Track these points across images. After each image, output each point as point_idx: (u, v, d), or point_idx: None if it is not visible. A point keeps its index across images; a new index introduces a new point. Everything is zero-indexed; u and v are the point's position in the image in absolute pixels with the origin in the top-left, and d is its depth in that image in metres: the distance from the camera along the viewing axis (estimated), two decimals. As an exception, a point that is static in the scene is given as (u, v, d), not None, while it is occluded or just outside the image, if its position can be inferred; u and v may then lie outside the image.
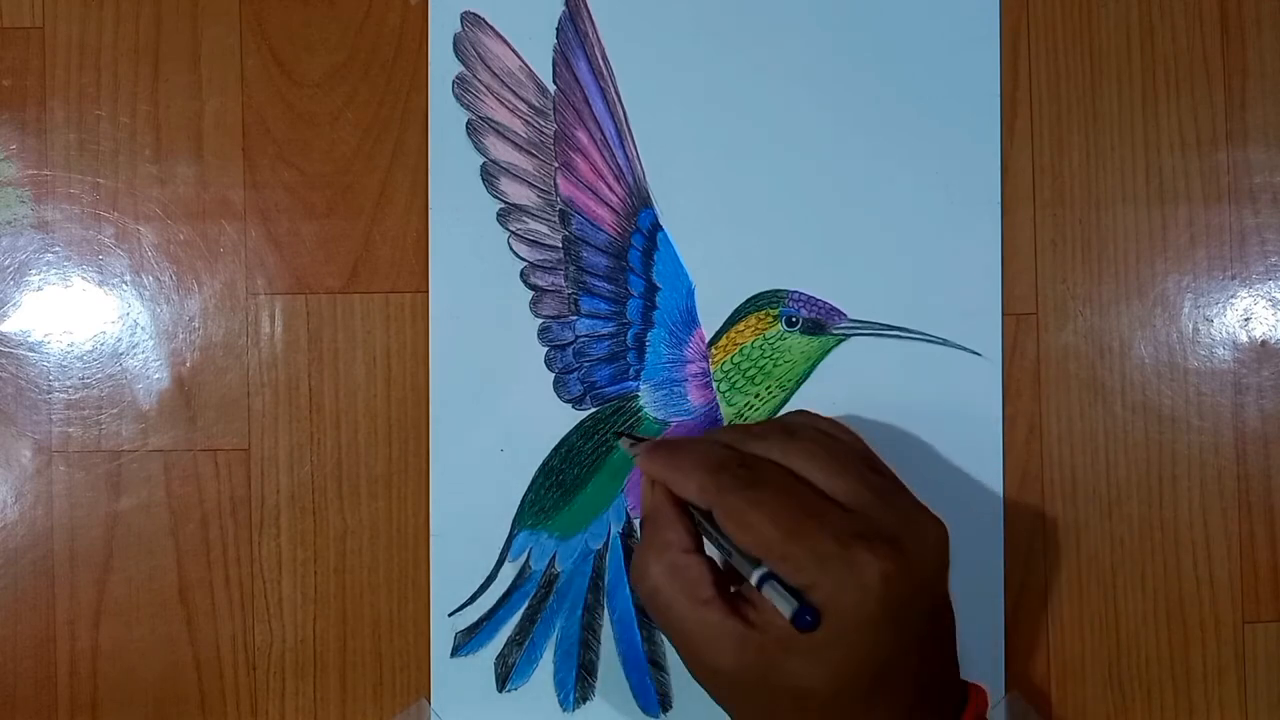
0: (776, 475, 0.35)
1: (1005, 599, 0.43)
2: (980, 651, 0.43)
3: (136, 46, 0.43)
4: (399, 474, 0.43)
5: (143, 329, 0.43)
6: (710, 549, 0.36)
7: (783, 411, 0.43)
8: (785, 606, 0.33)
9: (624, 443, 0.41)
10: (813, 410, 0.39)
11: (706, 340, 0.44)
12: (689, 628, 0.35)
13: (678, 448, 0.38)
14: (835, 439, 0.38)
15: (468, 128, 0.43)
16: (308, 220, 0.43)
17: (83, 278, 0.43)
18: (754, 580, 0.34)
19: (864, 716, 0.34)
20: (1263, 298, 0.44)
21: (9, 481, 0.43)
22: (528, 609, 0.43)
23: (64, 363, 0.43)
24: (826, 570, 0.33)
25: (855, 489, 0.35)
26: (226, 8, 0.43)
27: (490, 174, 0.43)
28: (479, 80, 0.43)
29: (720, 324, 0.44)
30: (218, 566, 0.43)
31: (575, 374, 0.43)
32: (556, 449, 0.43)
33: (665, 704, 0.43)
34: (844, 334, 0.44)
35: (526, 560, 0.43)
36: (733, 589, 0.36)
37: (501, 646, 0.43)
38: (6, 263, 0.43)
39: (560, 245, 0.43)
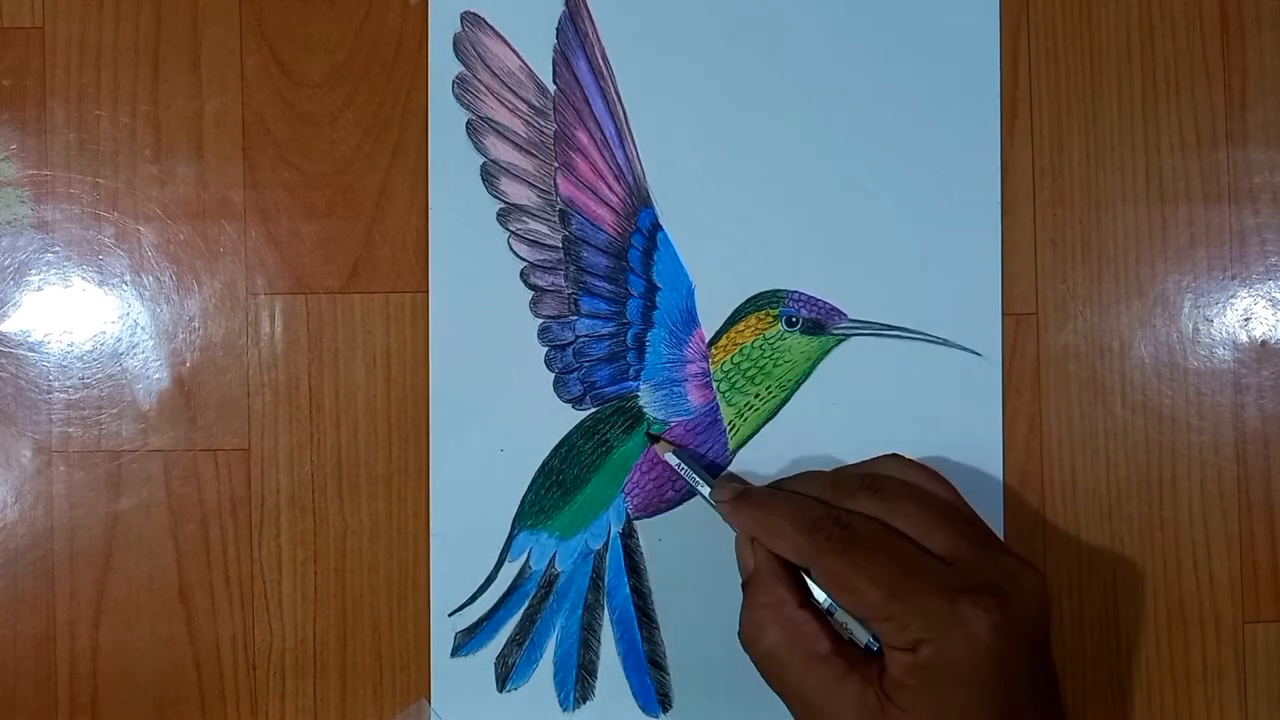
0: (873, 532, 0.35)
1: (1005, 599, 0.43)
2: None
3: (136, 46, 0.43)
4: (399, 474, 0.43)
5: (143, 329, 0.43)
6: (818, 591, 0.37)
7: (782, 412, 0.43)
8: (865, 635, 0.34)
9: (664, 453, 0.41)
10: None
11: (706, 340, 0.44)
12: (808, 684, 0.35)
13: (768, 504, 0.38)
14: (925, 491, 0.37)
15: (468, 128, 0.43)
16: (308, 220, 0.43)
17: (83, 278, 0.43)
18: (854, 630, 0.35)
19: None
20: (1263, 298, 0.44)
21: (9, 481, 0.43)
22: (528, 609, 0.43)
23: (64, 363, 0.43)
24: (934, 627, 0.33)
25: (952, 541, 0.35)
26: (226, 8, 0.43)
27: (490, 174, 0.43)
28: (479, 80, 0.43)
29: (720, 324, 0.43)
30: (218, 566, 0.43)
31: (575, 374, 0.43)
32: (556, 449, 0.43)
33: (665, 704, 0.43)
34: (844, 334, 0.43)
35: (526, 560, 0.43)
36: (849, 641, 0.36)
37: (501, 646, 0.43)
38: (6, 263, 0.43)
39: (560, 245, 0.43)
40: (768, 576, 0.37)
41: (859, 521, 0.36)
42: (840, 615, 0.36)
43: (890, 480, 0.38)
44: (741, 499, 0.38)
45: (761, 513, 0.38)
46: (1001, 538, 0.43)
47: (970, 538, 0.35)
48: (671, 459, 0.42)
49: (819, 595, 0.37)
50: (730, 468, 0.43)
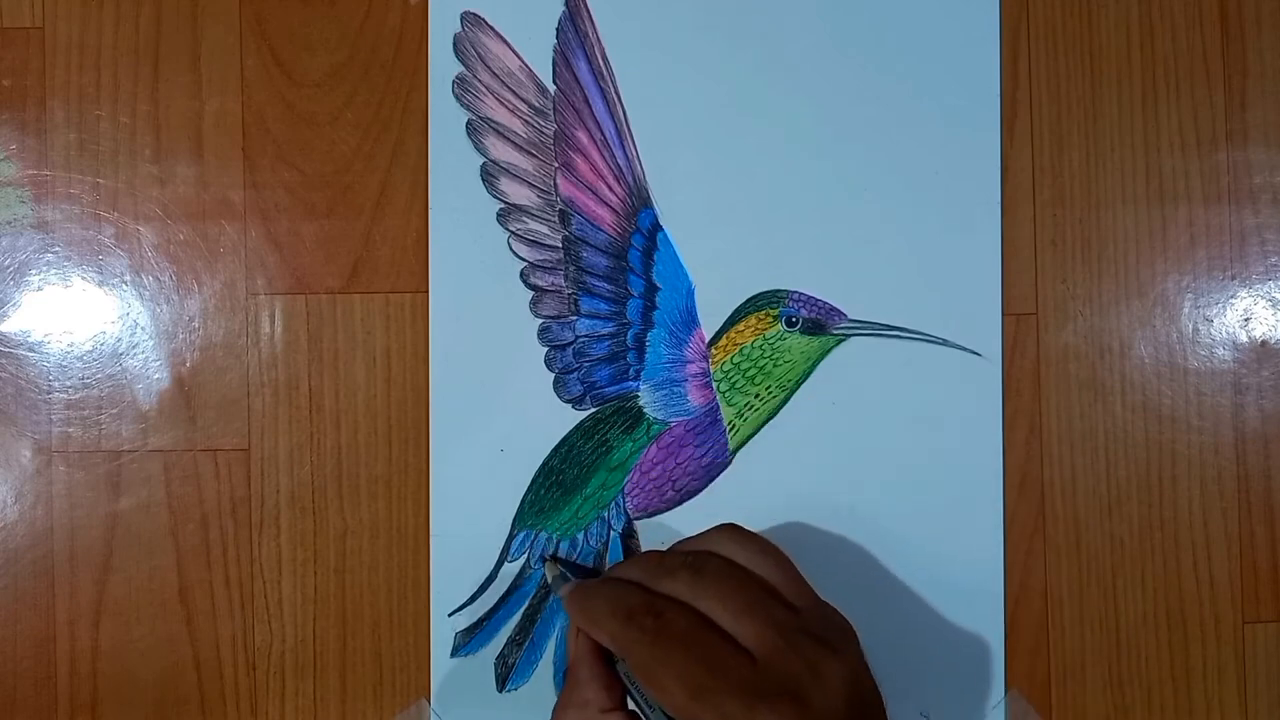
0: (683, 624, 0.36)
1: (1005, 599, 0.43)
2: (980, 651, 0.43)
3: (136, 46, 0.43)
4: (399, 474, 0.43)
5: (143, 329, 0.43)
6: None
7: (782, 412, 0.43)
8: None
9: (551, 574, 0.42)
10: (737, 528, 0.39)
11: (706, 340, 0.44)
12: None
13: (592, 591, 0.38)
14: (745, 572, 0.37)
15: (468, 128, 0.43)
16: (308, 220, 0.43)
17: (83, 278, 0.43)
18: None
19: None
20: (1263, 298, 0.44)
21: (9, 481, 0.43)
22: (528, 609, 0.43)
23: (64, 363, 0.43)
24: None
25: (760, 633, 0.35)
26: (226, 8, 0.43)
27: (490, 174, 0.43)
28: (479, 80, 0.43)
29: (720, 324, 0.44)
30: (218, 566, 0.43)
31: (575, 374, 0.43)
32: (556, 449, 0.43)
33: (665, 704, 0.43)
34: (844, 334, 0.44)
35: (526, 560, 0.43)
36: None
37: (501, 646, 0.43)
38: (6, 263, 0.43)
39: (560, 245, 0.43)
40: (583, 674, 0.37)
41: (672, 611, 0.36)
42: (641, 703, 0.37)
43: (711, 560, 0.38)
44: (575, 591, 0.39)
45: (586, 600, 0.38)
46: (1001, 537, 0.43)
47: (780, 625, 0.35)
48: (549, 571, 0.42)
49: (632, 700, 0.37)
50: (730, 468, 0.43)
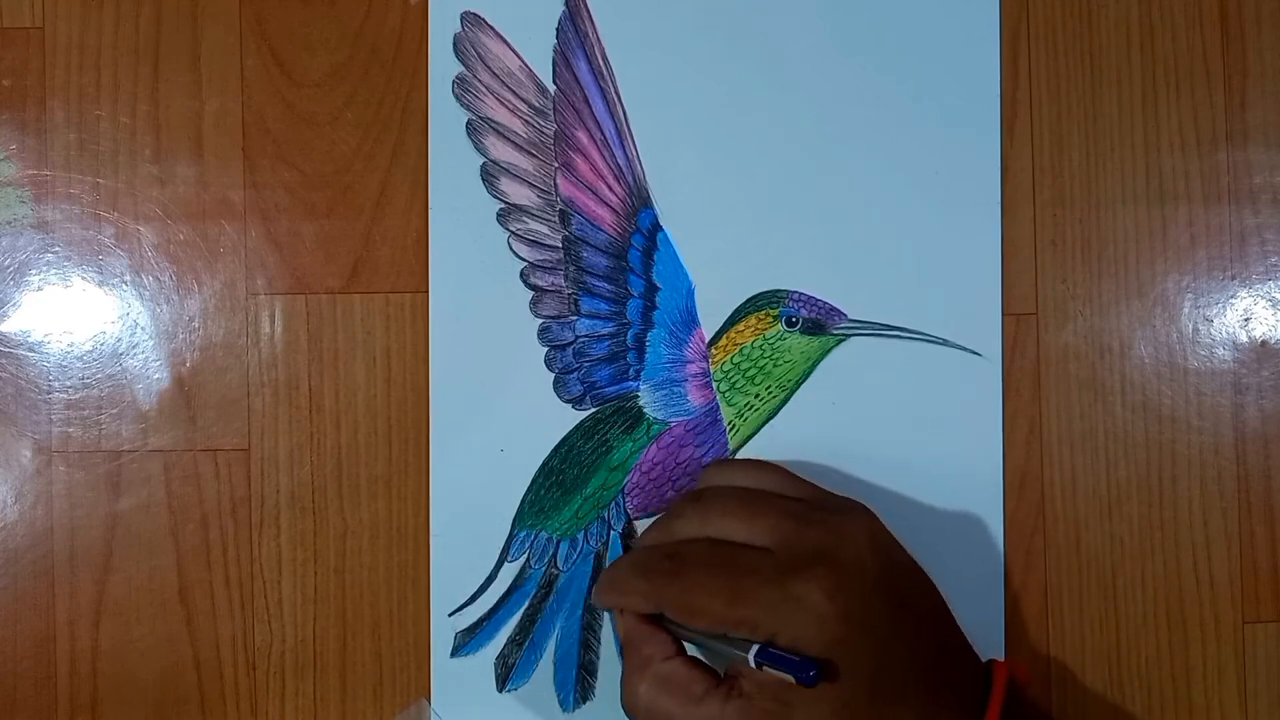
0: (698, 551, 0.36)
1: (1005, 598, 0.43)
2: (980, 651, 0.43)
3: (136, 46, 0.43)
4: (399, 474, 0.43)
5: (143, 329, 0.43)
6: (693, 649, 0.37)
7: (782, 412, 0.43)
8: (786, 673, 0.34)
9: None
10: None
11: (706, 340, 0.44)
12: None
13: (613, 568, 0.39)
14: (744, 488, 0.38)
15: (468, 128, 0.43)
16: (308, 220, 0.43)
17: (83, 278, 0.43)
18: (750, 660, 0.34)
19: None
20: (1263, 298, 0.44)
21: (9, 481, 0.43)
22: (528, 609, 0.43)
23: (64, 363, 0.43)
24: (779, 616, 0.34)
25: (773, 526, 0.36)
26: (226, 8, 0.43)
27: (490, 174, 0.43)
28: (479, 80, 0.43)
29: (720, 324, 0.44)
30: (218, 566, 0.43)
31: (575, 374, 0.43)
32: (556, 449, 0.43)
33: (665, 704, 0.43)
34: (844, 334, 0.44)
35: (526, 560, 0.43)
36: (724, 673, 0.36)
37: (501, 646, 0.43)
38: (6, 263, 0.43)
39: (560, 245, 0.43)
40: (634, 639, 0.38)
41: (684, 547, 0.37)
42: (709, 650, 0.37)
43: (709, 489, 0.39)
44: (599, 581, 0.39)
45: (610, 578, 0.39)
46: (1001, 537, 0.43)
47: (792, 514, 0.36)
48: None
49: (690, 645, 0.37)
50: (730, 468, 0.43)
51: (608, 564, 0.43)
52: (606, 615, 0.43)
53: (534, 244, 0.43)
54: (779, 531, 0.36)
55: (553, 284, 0.43)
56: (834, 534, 0.36)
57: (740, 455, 0.43)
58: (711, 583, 0.35)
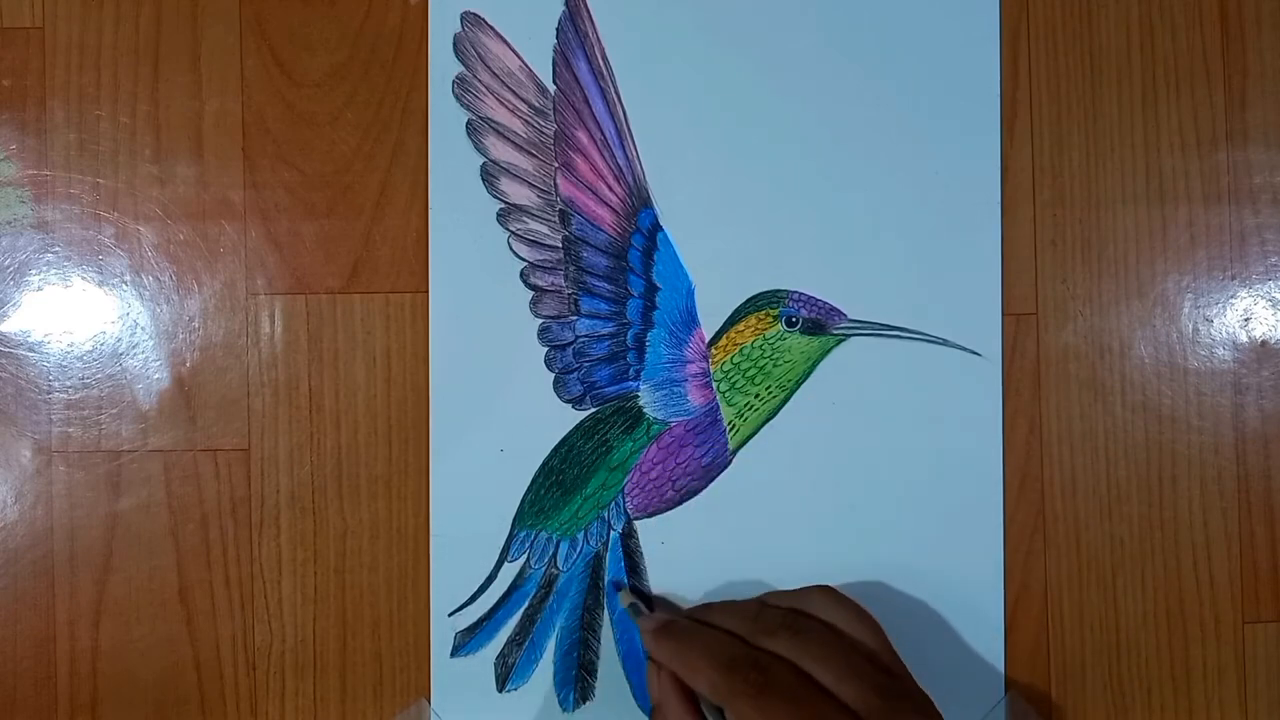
0: (787, 679, 0.36)
1: (1005, 599, 0.43)
2: (980, 651, 0.43)
3: (136, 46, 0.43)
4: (399, 474, 0.43)
5: (143, 329, 0.43)
6: None
7: (782, 412, 0.43)
8: None
9: (625, 602, 0.42)
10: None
11: (706, 340, 0.44)
12: None
13: (688, 637, 0.38)
14: (843, 636, 0.38)
15: (468, 128, 0.43)
16: (308, 220, 0.43)
17: (83, 278, 0.43)
18: None
19: None
20: (1263, 298, 0.44)
21: (9, 481, 0.43)
22: (528, 609, 0.43)
23: (64, 363, 0.43)
24: None
25: (864, 695, 0.36)
26: (226, 8, 0.43)
27: (490, 174, 0.43)
28: (479, 80, 0.43)
29: (720, 324, 0.43)
30: (218, 566, 0.43)
31: (575, 374, 0.43)
32: (556, 449, 0.43)
33: (665, 704, 0.43)
34: (844, 334, 0.43)
35: (526, 560, 0.43)
36: None
37: (501, 646, 0.43)
38: (6, 263, 0.43)
39: (560, 245, 0.43)
40: (667, 706, 0.37)
41: (775, 665, 0.36)
42: None
43: (811, 622, 0.38)
44: (664, 631, 0.39)
45: (682, 646, 0.38)
46: (1001, 537, 0.43)
47: (881, 689, 0.36)
48: (625, 601, 0.42)
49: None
50: (730, 468, 0.43)
51: (607, 564, 0.43)
52: (606, 614, 0.43)
53: (534, 244, 0.43)
54: (868, 706, 0.35)
55: (553, 284, 0.43)
56: None
57: (740, 455, 0.43)
58: (788, 719, 0.35)
